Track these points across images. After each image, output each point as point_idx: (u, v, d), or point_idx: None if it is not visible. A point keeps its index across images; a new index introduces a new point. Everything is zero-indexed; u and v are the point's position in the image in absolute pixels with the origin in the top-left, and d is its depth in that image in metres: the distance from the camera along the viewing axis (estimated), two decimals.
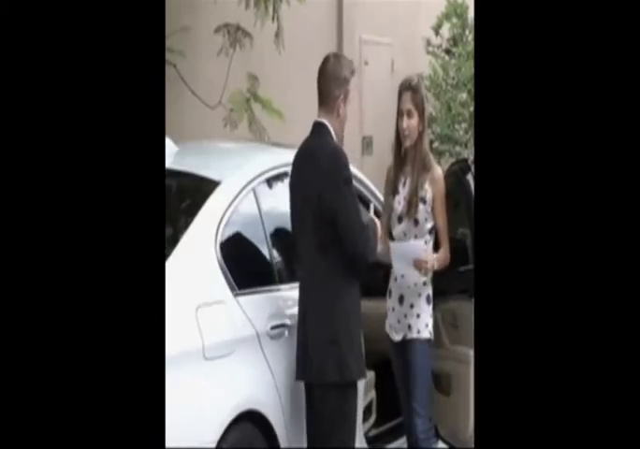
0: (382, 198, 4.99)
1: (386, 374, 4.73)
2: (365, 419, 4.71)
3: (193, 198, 4.20)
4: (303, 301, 4.07)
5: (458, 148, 9.83)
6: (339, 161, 4.03)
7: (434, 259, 4.38)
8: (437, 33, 10.27)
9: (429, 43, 10.31)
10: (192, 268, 3.81)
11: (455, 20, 10.16)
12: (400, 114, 4.45)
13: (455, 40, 10.16)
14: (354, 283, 4.08)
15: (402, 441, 4.79)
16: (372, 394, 4.89)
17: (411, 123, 4.42)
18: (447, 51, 10.23)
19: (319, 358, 3.98)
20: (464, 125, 9.87)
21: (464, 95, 9.85)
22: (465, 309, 4.52)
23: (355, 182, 4.73)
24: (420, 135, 4.44)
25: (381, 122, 9.76)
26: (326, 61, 4.20)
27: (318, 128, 4.11)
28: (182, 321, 3.59)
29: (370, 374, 4.82)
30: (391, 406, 4.86)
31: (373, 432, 4.88)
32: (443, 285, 4.54)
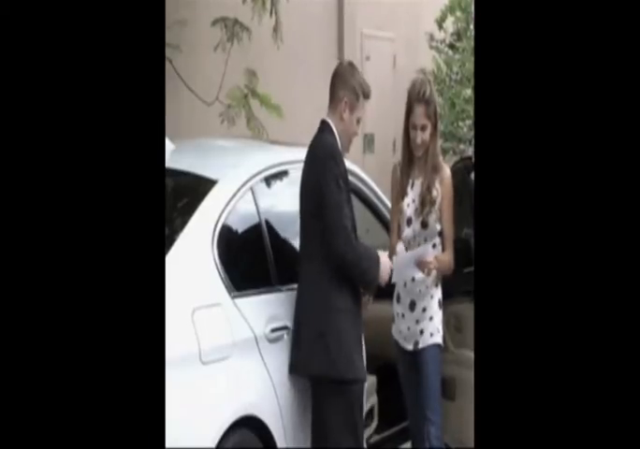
0: (383, 196, 4.99)
1: (388, 379, 4.72)
2: (366, 425, 4.69)
3: (189, 198, 4.20)
4: (298, 294, 4.14)
5: (462, 146, 9.82)
6: (330, 157, 4.10)
7: (436, 259, 4.35)
8: (440, 27, 10.25)
9: (432, 38, 10.29)
10: (188, 270, 3.80)
11: (459, 13, 10.14)
12: (412, 127, 4.42)
13: (459, 35, 10.14)
14: (347, 281, 4.10)
15: (405, 447, 4.78)
16: (374, 399, 4.88)
17: (424, 136, 4.41)
18: (451, 46, 10.22)
19: (307, 351, 4.06)
20: (468, 122, 9.86)
21: (468, 92, 9.83)
22: (469, 311, 4.51)
23: (356, 181, 4.75)
24: (432, 138, 4.42)
25: (382, 119, 9.76)
26: (339, 64, 4.40)
27: (322, 126, 4.25)
28: (178, 324, 3.59)
29: (372, 379, 4.81)
30: (393, 411, 4.86)
31: (375, 438, 4.87)
32: (446, 287, 4.54)
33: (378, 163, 9.45)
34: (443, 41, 10.30)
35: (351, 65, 4.37)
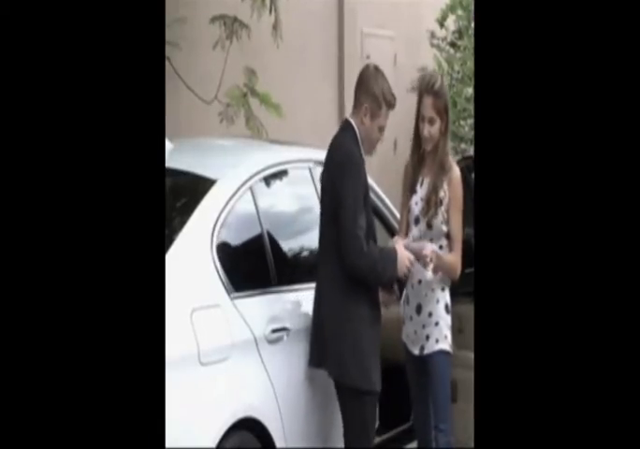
0: (384, 197, 4.98)
1: (390, 381, 4.71)
2: None
3: (188, 197, 4.20)
4: (316, 296, 4.18)
5: (463, 145, 9.80)
6: (350, 162, 4.10)
7: (436, 256, 4.27)
8: (442, 25, 10.23)
9: (433, 36, 10.27)
10: (187, 270, 3.80)
11: (460, 11, 10.13)
12: (420, 119, 4.38)
13: (460, 33, 10.12)
14: (363, 288, 4.11)
15: (411, 447, 4.78)
16: None
17: (432, 130, 4.35)
18: (452, 45, 10.19)
19: (325, 354, 4.11)
20: (470, 121, 9.85)
21: (470, 90, 9.81)
22: (471, 312, 4.50)
23: None
24: (442, 135, 4.37)
25: None
26: (366, 67, 4.34)
27: (344, 125, 4.27)
28: (177, 325, 3.59)
29: None
30: (395, 414, 4.85)
31: (376, 440, 4.86)
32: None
33: (378, 163, 9.43)
34: (444, 39, 10.28)
35: (377, 69, 4.31)
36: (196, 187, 4.14)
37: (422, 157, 4.44)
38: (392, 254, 4.14)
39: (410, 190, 4.45)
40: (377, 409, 4.26)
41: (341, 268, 4.06)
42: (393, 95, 4.25)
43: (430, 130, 4.35)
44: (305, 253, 4.57)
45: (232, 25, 6.84)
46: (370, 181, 4.96)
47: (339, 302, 4.09)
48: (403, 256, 4.15)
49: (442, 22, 10.22)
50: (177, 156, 4.31)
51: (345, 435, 4.19)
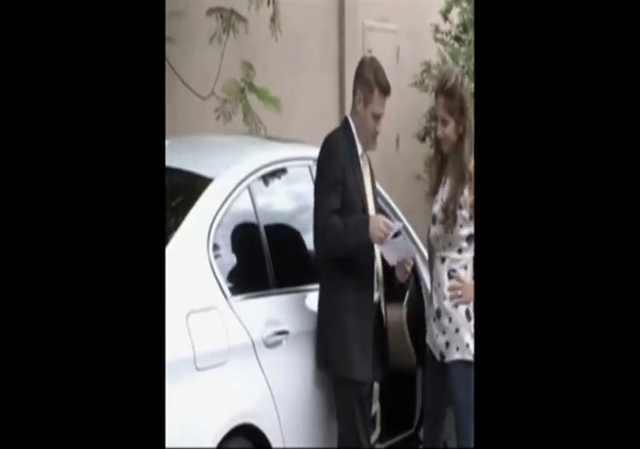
0: (385, 195, 4.98)
1: (391, 386, 4.72)
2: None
3: (184, 196, 4.19)
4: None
5: None
6: (321, 150, 4.26)
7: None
8: (446, 18, 10.23)
9: (437, 30, 10.27)
10: (182, 272, 3.80)
11: (465, 4, 10.13)
12: (435, 119, 4.34)
13: (465, 27, 10.12)
14: (343, 276, 4.19)
15: None
16: (376, 406, 4.88)
17: (446, 131, 4.23)
18: (457, 39, 10.20)
19: (315, 346, 4.25)
20: None
21: None
22: None
23: None
24: (460, 137, 4.22)
25: (385, 115, 9.75)
26: (362, 58, 4.52)
27: (342, 121, 4.43)
28: (172, 328, 3.58)
29: (374, 386, 4.81)
30: (396, 420, 4.86)
31: (378, 447, 4.88)
32: None
33: (380, 159, 9.44)
34: (448, 33, 10.29)
35: (372, 59, 4.43)
36: (193, 186, 4.14)
37: (445, 158, 4.33)
38: (362, 223, 4.16)
39: (433, 191, 4.36)
40: (370, 408, 4.29)
41: (321, 264, 4.26)
42: (386, 81, 4.30)
43: (444, 131, 4.25)
44: (304, 254, 4.57)
45: (229, 18, 6.85)
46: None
47: (324, 292, 4.23)
48: (376, 221, 4.15)
49: (445, 15, 10.22)
50: (172, 154, 4.29)
51: (338, 434, 4.22)
